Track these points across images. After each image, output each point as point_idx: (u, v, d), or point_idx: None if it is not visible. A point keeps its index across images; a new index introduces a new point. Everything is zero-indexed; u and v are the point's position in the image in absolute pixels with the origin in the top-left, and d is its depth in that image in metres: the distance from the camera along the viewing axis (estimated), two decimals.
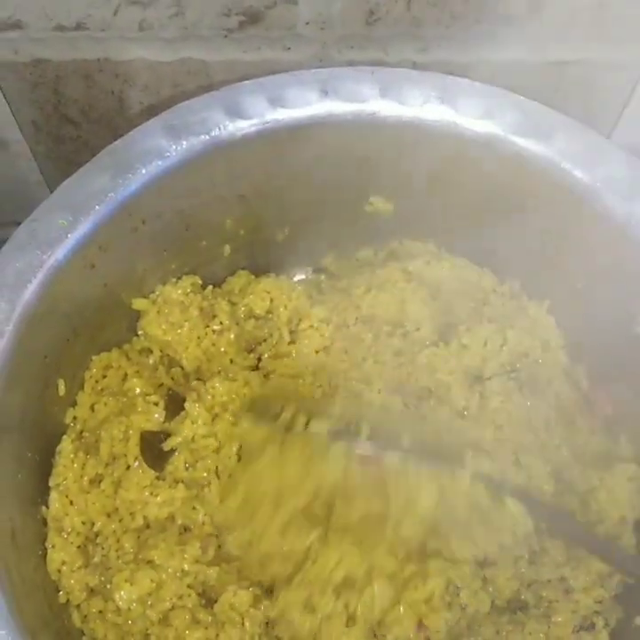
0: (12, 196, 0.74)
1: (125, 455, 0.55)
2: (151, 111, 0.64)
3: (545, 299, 0.64)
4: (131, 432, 0.55)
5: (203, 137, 0.54)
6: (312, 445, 0.54)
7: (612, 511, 0.58)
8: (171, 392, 0.58)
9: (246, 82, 0.55)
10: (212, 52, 0.62)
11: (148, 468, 0.55)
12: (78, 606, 0.54)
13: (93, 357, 0.58)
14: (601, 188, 0.54)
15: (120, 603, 0.52)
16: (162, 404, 0.57)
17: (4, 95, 0.64)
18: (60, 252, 0.51)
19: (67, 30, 0.59)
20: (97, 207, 0.52)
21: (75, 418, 0.58)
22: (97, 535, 0.55)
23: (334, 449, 0.54)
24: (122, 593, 0.52)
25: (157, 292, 0.61)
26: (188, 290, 0.61)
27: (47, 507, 0.54)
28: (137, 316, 0.60)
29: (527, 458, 0.59)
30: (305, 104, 0.55)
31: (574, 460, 0.61)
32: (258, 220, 0.63)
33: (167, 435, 0.57)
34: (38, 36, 0.59)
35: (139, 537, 0.54)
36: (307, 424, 0.55)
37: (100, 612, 0.53)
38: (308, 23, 0.60)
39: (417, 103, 0.55)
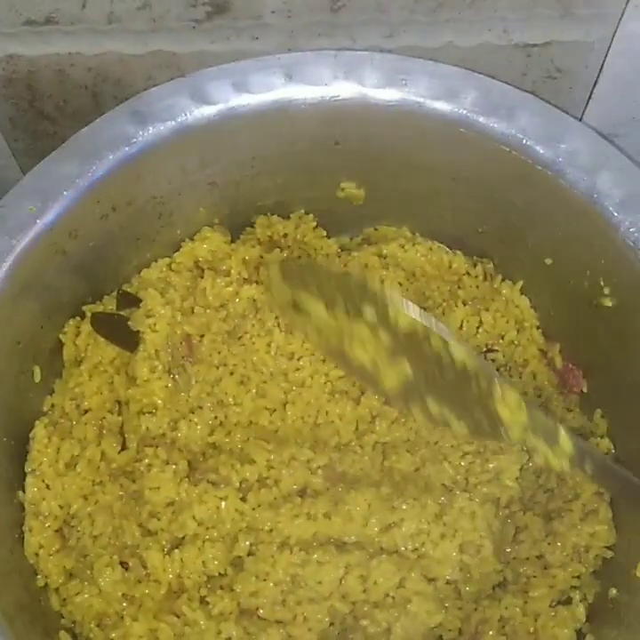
0: None
1: None
2: None
3: (518, 279, 0.65)
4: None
5: (169, 123, 0.55)
6: None
7: (588, 486, 0.58)
8: None
9: (211, 68, 0.56)
10: (181, 43, 0.63)
11: None
12: (56, 589, 0.54)
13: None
14: (563, 162, 0.55)
15: (103, 585, 0.53)
16: None
17: None
18: (28, 238, 0.52)
19: (36, 24, 0.60)
20: (65, 193, 0.53)
21: (53, 405, 0.59)
22: (73, 517, 0.55)
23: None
24: (106, 578, 0.53)
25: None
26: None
27: (24, 491, 0.55)
28: (113, 302, 0.61)
29: None
30: (269, 89, 0.56)
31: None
32: (231, 207, 0.63)
33: None
34: (9, 31, 0.60)
35: (113, 518, 0.55)
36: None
37: (78, 594, 0.54)
38: (273, 12, 0.60)
39: (379, 85, 0.56)
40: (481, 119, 0.55)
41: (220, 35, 0.62)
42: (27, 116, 0.68)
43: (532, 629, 0.55)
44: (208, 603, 0.53)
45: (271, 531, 0.54)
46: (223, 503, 0.54)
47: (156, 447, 0.56)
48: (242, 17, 0.61)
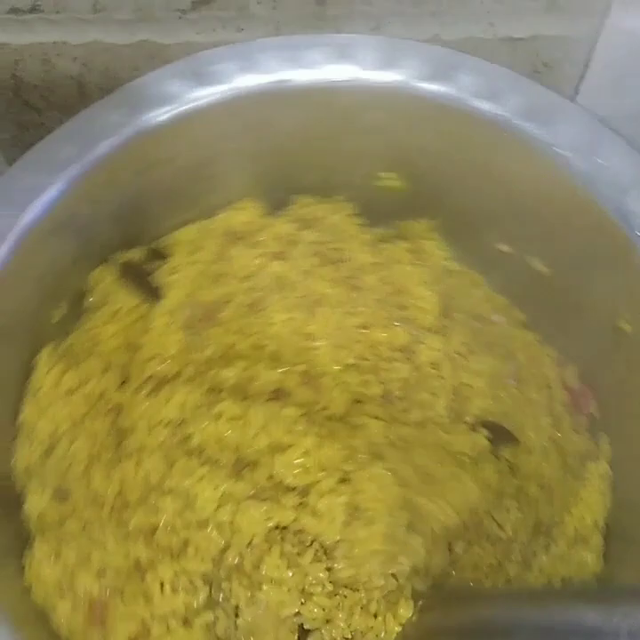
0: None
1: None
2: None
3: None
4: None
5: (222, 86, 0.55)
6: None
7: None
8: None
9: (265, 39, 0.57)
10: (167, 34, 0.63)
11: None
12: None
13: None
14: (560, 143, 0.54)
15: None
16: None
17: None
18: (65, 180, 0.52)
19: (21, 13, 0.60)
20: (107, 141, 0.53)
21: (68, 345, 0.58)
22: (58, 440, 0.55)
23: None
24: None
25: None
26: None
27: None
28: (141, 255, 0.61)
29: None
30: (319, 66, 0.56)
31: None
32: (271, 182, 0.62)
33: None
34: None
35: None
36: None
37: None
38: (259, 2, 0.60)
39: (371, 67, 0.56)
40: (473, 101, 0.55)
41: (206, 25, 0.62)
42: (13, 107, 0.68)
43: None
44: None
45: None
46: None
47: None
48: (227, 7, 0.61)
